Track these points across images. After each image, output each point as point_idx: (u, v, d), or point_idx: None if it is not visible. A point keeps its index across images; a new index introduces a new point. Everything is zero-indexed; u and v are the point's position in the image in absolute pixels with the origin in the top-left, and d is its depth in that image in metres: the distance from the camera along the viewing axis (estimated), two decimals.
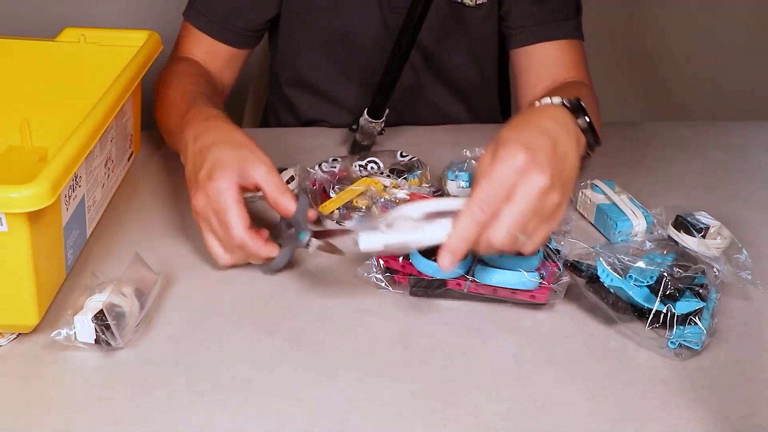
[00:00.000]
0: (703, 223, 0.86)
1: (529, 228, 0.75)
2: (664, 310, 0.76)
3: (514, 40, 1.15)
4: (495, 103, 1.31)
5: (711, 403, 0.71)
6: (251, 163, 0.83)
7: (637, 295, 0.77)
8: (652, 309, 0.76)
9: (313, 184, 0.95)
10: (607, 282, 0.78)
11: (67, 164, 0.73)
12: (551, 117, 0.81)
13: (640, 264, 0.79)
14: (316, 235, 0.82)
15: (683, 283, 0.78)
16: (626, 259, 0.80)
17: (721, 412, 0.70)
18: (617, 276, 0.78)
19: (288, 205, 0.82)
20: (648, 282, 0.78)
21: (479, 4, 1.14)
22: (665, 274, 0.78)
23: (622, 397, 0.71)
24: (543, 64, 1.13)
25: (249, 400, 0.70)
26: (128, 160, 1.01)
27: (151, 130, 1.10)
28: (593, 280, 0.79)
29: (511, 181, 0.74)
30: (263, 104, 1.42)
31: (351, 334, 0.78)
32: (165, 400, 0.70)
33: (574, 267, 0.82)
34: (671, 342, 0.76)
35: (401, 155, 1.02)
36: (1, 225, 0.68)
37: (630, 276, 0.78)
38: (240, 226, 0.80)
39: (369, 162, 0.99)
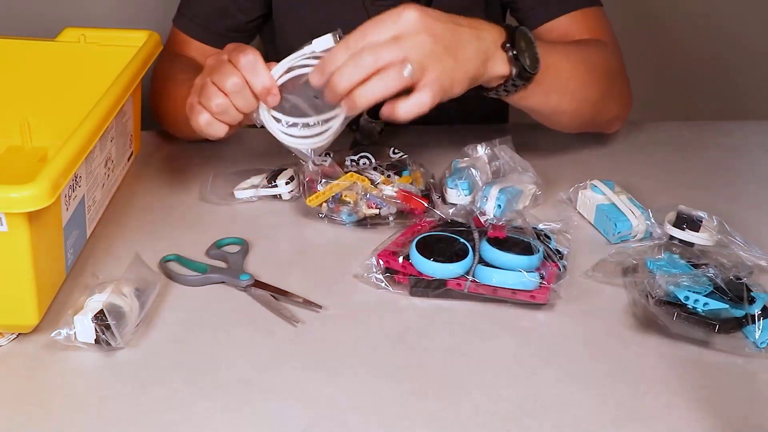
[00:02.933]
0: (700, 218, 0.87)
1: (414, 61, 0.78)
2: (756, 313, 0.76)
3: (524, 24, 1.09)
4: (494, 101, 1.31)
5: (711, 403, 0.71)
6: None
7: (732, 309, 0.76)
8: (745, 316, 0.76)
9: (308, 179, 0.95)
10: (700, 308, 0.76)
11: (67, 164, 0.73)
12: (471, 21, 0.85)
13: (684, 279, 0.78)
14: (258, 284, 0.83)
15: (739, 281, 0.78)
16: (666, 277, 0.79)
17: (721, 412, 0.70)
18: (709, 299, 0.76)
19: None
20: (705, 291, 0.77)
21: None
22: (731, 277, 0.78)
23: (622, 397, 0.71)
24: (554, 39, 1.08)
25: (249, 400, 0.70)
26: (128, 160, 1.01)
27: (151, 130, 1.10)
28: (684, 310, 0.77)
29: (390, 25, 0.79)
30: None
31: (351, 334, 0.78)
32: (165, 400, 0.70)
33: (668, 303, 0.77)
34: (762, 342, 0.76)
35: (393, 152, 1.02)
36: (1, 225, 0.68)
37: (687, 292, 0.77)
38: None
39: (361, 157, 0.99)
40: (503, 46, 0.85)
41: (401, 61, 0.78)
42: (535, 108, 0.96)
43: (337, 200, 0.91)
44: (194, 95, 0.86)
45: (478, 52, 0.84)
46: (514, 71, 0.86)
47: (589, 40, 1.07)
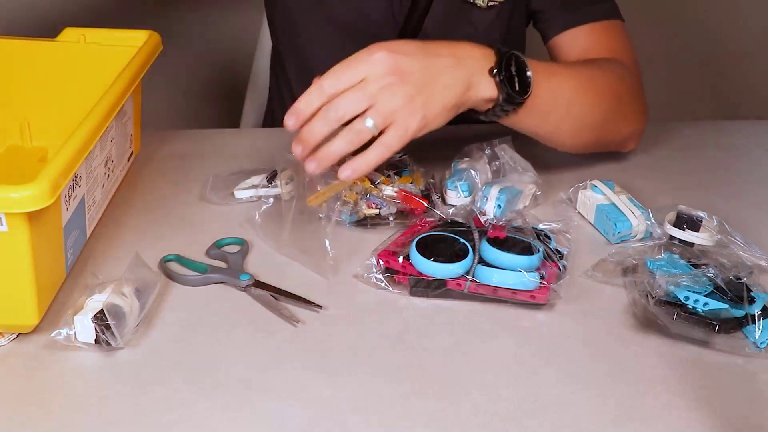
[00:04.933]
0: (700, 218, 0.87)
1: (377, 110, 0.79)
2: (756, 313, 0.76)
3: (546, 33, 1.11)
4: None
5: (711, 403, 0.71)
6: None
7: (732, 309, 0.76)
8: (745, 316, 0.76)
9: (308, 178, 0.94)
10: (700, 308, 0.76)
11: (67, 164, 0.73)
12: (452, 48, 0.85)
13: (684, 279, 0.78)
14: (258, 284, 0.82)
15: (739, 281, 0.78)
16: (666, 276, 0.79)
17: (721, 412, 0.70)
18: (710, 299, 0.76)
19: None
20: (705, 291, 0.77)
21: (490, 6, 1.11)
22: (731, 277, 0.78)
23: (622, 397, 0.71)
24: (573, 50, 1.08)
25: (249, 400, 0.70)
26: (128, 160, 1.01)
27: (151, 130, 1.10)
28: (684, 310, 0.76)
29: (361, 67, 0.80)
30: (261, 104, 1.42)
31: (351, 334, 0.78)
32: (165, 400, 0.70)
33: (668, 303, 0.77)
34: (762, 342, 0.76)
35: None
36: (1, 225, 0.68)
37: (687, 292, 0.77)
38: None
39: None
40: (491, 71, 0.85)
41: (368, 108, 0.79)
42: (530, 131, 0.95)
43: (338, 200, 0.91)
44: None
45: (457, 80, 0.83)
46: (501, 96, 0.86)
47: (604, 59, 1.05)
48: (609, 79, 1.01)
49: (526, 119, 0.91)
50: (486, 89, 0.85)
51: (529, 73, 0.87)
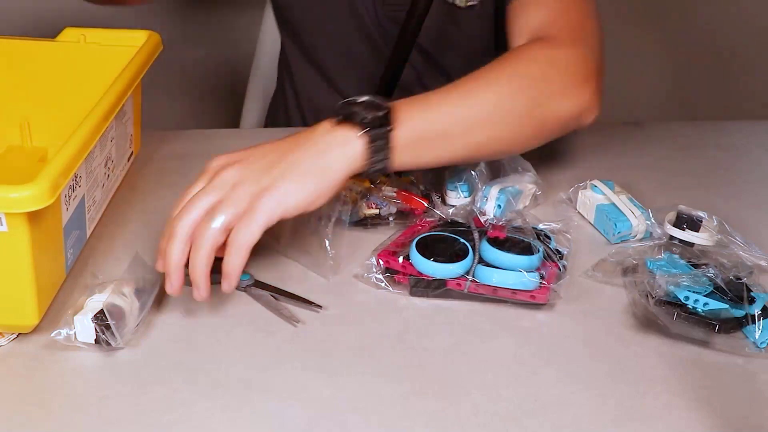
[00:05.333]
0: (700, 218, 0.87)
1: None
2: (756, 313, 0.76)
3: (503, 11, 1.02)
4: None
5: (711, 403, 0.71)
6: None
7: (732, 309, 0.76)
8: (745, 316, 0.76)
9: None
10: (700, 308, 0.76)
11: (67, 164, 0.73)
12: (308, 139, 0.78)
13: (684, 279, 0.78)
14: (258, 284, 0.82)
15: (739, 281, 0.78)
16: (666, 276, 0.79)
17: (721, 412, 0.70)
18: (710, 299, 0.76)
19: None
20: (705, 291, 0.77)
21: (470, 5, 1.07)
22: (731, 277, 0.78)
23: (622, 397, 0.71)
24: (519, 15, 0.97)
25: (249, 400, 0.70)
26: (128, 160, 1.01)
27: (151, 130, 1.10)
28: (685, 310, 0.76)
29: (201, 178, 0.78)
30: (262, 103, 1.43)
31: (351, 334, 0.78)
32: (165, 400, 0.70)
33: (668, 303, 0.77)
34: (762, 342, 0.76)
35: None
36: (1, 225, 0.68)
37: (687, 292, 0.77)
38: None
39: None
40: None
41: (213, 210, 0.74)
42: (437, 165, 0.86)
43: (338, 201, 0.91)
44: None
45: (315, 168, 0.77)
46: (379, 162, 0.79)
47: (512, 51, 0.93)
48: (515, 69, 0.90)
49: (418, 160, 0.82)
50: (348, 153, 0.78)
51: (390, 137, 0.79)
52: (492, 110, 0.86)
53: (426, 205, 0.91)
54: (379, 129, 0.78)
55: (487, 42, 1.20)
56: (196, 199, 0.76)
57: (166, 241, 0.75)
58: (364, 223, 0.92)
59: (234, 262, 0.74)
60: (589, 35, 0.96)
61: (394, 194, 0.92)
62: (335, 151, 0.78)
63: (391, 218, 0.92)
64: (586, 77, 0.92)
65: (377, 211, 0.92)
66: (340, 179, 0.77)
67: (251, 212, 0.74)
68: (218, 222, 0.74)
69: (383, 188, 0.92)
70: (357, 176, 0.80)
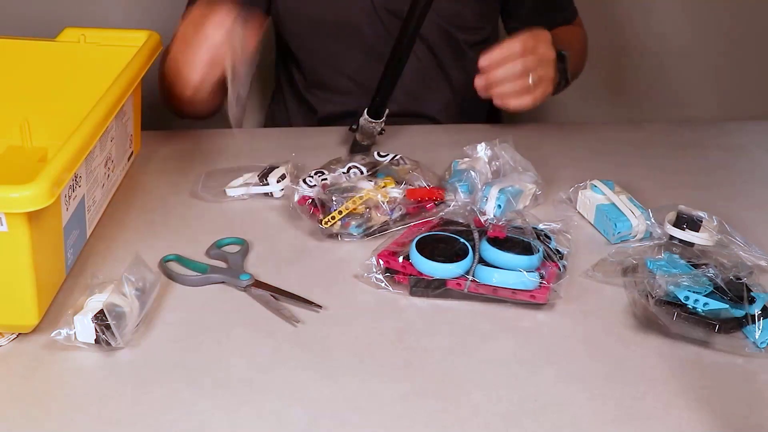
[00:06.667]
0: (700, 218, 0.87)
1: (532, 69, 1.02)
2: (756, 313, 0.76)
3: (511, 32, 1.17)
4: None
5: (711, 403, 0.71)
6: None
7: (732, 309, 0.76)
8: (745, 316, 0.76)
9: (300, 202, 0.92)
10: (700, 308, 0.76)
11: (67, 164, 0.73)
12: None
13: (684, 279, 0.78)
14: (258, 284, 0.82)
15: (739, 281, 0.78)
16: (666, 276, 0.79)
17: (721, 412, 0.70)
18: (710, 299, 0.76)
19: None
20: (705, 291, 0.77)
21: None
22: (731, 277, 0.78)
23: (622, 397, 0.71)
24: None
25: (249, 400, 0.70)
26: (128, 160, 1.01)
27: (151, 130, 1.10)
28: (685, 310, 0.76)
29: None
30: (262, 104, 1.43)
31: (351, 334, 0.78)
32: (165, 400, 0.70)
33: (668, 303, 0.77)
34: (762, 342, 0.76)
35: (379, 155, 1.01)
36: (1, 225, 0.68)
37: (687, 292, 0.77)
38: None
39: (350, 168, 0.97)
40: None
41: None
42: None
43: (349, 214, 0.90)
44: None
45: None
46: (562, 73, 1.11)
47: (576, 28, 1.35)
48: (580, 34, 1.33)
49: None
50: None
51: (567, 59, 1.11)
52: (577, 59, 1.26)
53: (443, 194, 0.92)
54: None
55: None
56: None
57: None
58: (373, 233, 0.90)
59: (537, 96, 1.04)
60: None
61: (403, 195, 0.91)
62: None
63: (401, 220, 0.91)
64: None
65: (388, 217, 0.91)
66: None
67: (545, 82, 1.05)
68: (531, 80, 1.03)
69: (390, 192, 0.92)
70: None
